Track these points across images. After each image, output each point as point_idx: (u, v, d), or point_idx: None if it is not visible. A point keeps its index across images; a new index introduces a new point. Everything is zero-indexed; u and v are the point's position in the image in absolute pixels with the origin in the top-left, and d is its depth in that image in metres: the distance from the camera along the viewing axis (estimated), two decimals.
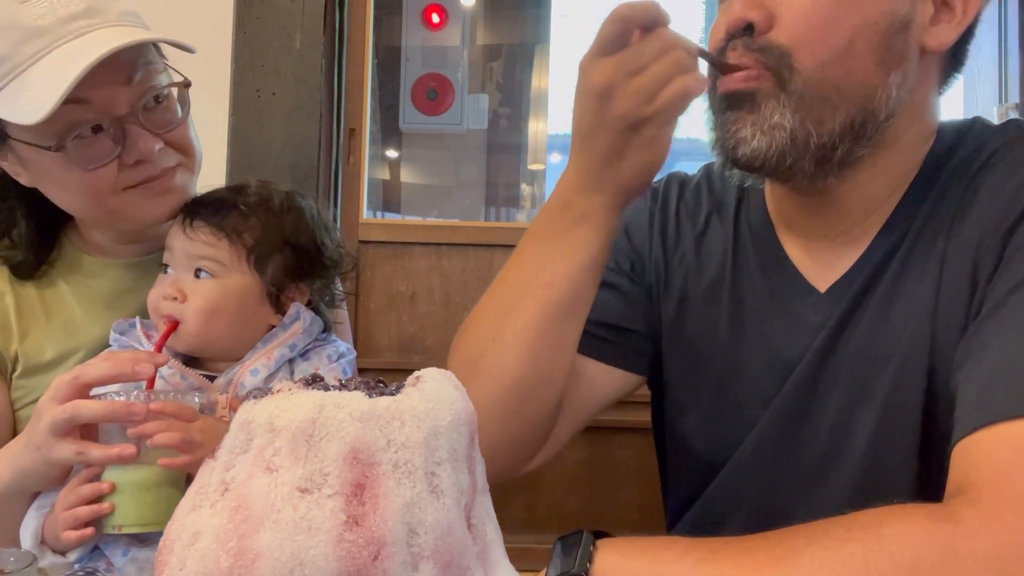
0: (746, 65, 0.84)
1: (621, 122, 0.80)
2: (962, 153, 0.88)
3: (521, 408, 0.88)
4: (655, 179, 0.99)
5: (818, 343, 0.90)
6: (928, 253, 0.86)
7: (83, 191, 1.00)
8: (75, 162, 0.97)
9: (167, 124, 1.01)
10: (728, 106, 0.86)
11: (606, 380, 1.01)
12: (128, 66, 0.97)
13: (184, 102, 1.05)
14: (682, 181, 1.08)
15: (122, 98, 0.97)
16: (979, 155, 0.87)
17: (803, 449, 0.91)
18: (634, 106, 0.79)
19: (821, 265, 0.93)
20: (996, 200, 0.83)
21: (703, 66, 0.85)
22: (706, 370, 0.98)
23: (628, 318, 1.02)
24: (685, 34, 0.81)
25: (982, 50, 2.39)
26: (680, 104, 0.80)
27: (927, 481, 0.83)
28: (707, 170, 1.07)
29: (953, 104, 2.58)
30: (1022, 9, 2.28)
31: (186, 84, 1.04)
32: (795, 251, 0.96)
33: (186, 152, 1.04)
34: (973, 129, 0.90)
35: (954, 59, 0.90)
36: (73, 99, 0.92)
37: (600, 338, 1.00)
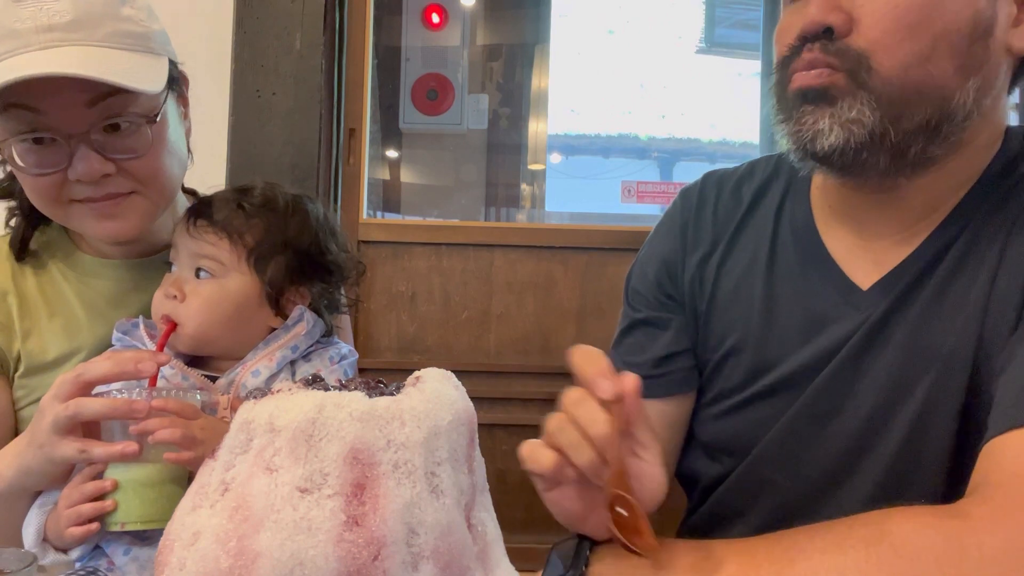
0: (820, 66, 0.83)
1: None
2: None
3: None
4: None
5: (856, 340, 0.89)
6: (984, 255, 0.85)
7: (32, 191, 1.01)
8: (21, 165, 0.98)
9: (127, 151, 0.99)
10: (804, 100, 0.84)
11: (684, 407, 1.03)
12: (95, 87, 0.94)
13: (157, 134, 1.02)
14: (720, 180, 1.07)
15: (79, 117, 0.96)
16: None
17: (831, 444, 0.91)
18: None
19: (865, 263, 0.92)
20: None
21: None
22: (737, 361, 0.98)
23: (672, 343, 1.02)
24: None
25: None
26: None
27: (958, 483, 0.81)
28: (752, 166, 1.06)
29: None
30: None
31: (151, 120, 1.01)
32: (838, 248, 0.95)
33: (145, 182, 1.02)
34: None
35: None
36: (26, 106, 0.94)
37: (663, 375, 1.02)
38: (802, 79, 0.84)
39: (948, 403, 0.85)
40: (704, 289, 1.02)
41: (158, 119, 1.01)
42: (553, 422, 0.70)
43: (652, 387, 1.00)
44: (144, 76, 0.97)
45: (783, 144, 0.89)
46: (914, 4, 0.80)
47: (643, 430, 0.70)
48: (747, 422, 0.97)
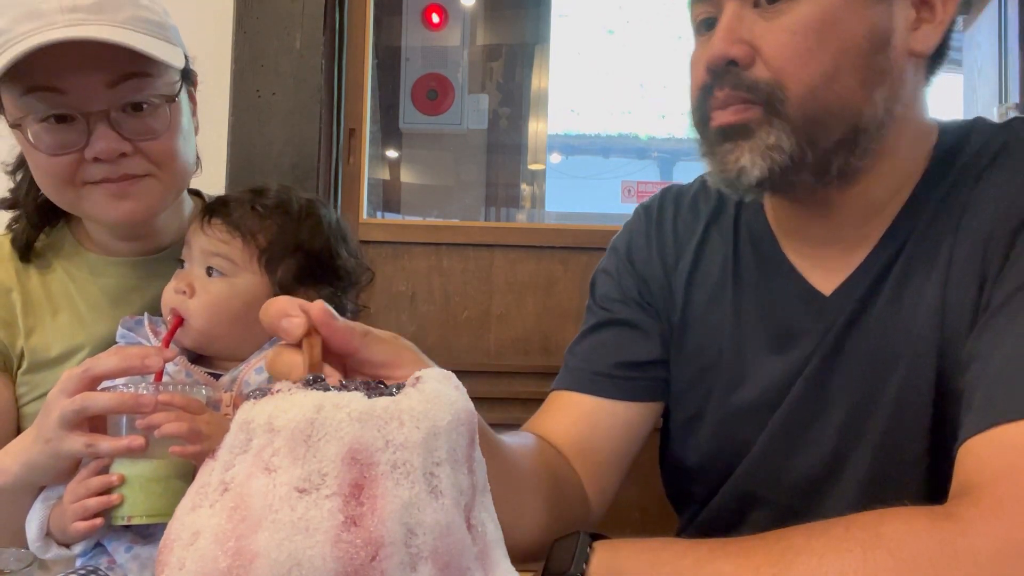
0: (735, 102, 0.85)
1: None
2: (967, 153, 0.88)
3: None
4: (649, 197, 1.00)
5: (824, 346, 0.90)
6: (935, 252, 0.86)
7: (46, 174, 1.03)
8: (37, 145, 1.00)
9: (144, 133, 1.02)
10: (724, 138, 0.86)
11: (643, 416, 1.03)
12: (116, 68, 0.98)
13: (174, 117, 1.05)
14: (677, 195, 1.09)
15: (100, 96, 0.98)
16: (984, 154, 0.87)
17: (812, 452, 0.92)
18: None
19: (824, 270, 0.93)
20: (1003, 197, 0.83)
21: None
22: (712, 378, 0.99)
23: (647, 351, 1.03)
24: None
25: (982, 50, 2.39)
26: None
27: (937, 481, 0.83)
28: (703, 180, 1.08)
29: (953, 104, 2.58)
30: (1022, 9, 2.28)
31: (170, 100, 1.03)
32: (797, 257, 0.96)
33: (161, 165, 1.04)
34: (976, 128, 0.90)
35: (937, 54, 0.90)
36: (48, 87, 0.96)
37: (627, 379, 1.02)
38: (720, 117, 0.86)
39: (919, 400, 0.86)
40: (675, 303, 1.03)
41: (176, 99, 1.04)
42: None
43: (620, 388, 1.02)
44: (164, 54, 1.00)
45: (709, 176, 0.90)
46: (810, 28, 0.82)
47: (375, 347, 0.64)
48: (728, 440, 0.98)
